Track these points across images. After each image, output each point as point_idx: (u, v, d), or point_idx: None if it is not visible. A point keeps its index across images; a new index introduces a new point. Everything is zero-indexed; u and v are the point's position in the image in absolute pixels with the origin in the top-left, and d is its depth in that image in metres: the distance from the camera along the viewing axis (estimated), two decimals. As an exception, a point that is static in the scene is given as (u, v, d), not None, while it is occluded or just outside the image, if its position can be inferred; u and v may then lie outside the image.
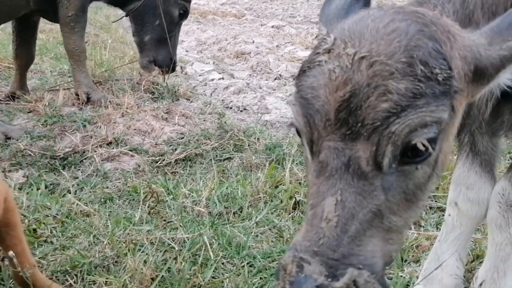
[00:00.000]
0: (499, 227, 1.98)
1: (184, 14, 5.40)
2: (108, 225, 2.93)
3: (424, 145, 1.17)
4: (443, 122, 1.20)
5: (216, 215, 3.11)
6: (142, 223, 2.96)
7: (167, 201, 3.21)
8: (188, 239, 2.69)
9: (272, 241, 2.83)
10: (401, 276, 2.39)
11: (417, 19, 1.25)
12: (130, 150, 4.16)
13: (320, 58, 1.25)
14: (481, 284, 2.03)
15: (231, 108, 5.93)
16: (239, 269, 2.48)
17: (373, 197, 1.18)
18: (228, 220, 3.10)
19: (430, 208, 3.13)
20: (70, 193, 3.37)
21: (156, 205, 3.03)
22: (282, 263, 1.17)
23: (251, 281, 2.37)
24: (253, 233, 2.91)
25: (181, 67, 7.82)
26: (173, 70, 5.58)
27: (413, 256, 2.58)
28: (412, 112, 1.14)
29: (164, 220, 3.09)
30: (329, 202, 1.17)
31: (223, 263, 2.58)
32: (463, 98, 1.28)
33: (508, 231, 1.96)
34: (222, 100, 6.18)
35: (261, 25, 10.27)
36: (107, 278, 2.31)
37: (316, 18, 9.48)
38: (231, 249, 2.68)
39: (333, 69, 1.20)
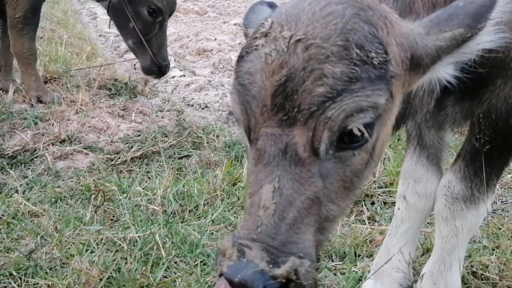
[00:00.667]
0: (445, 220, 2.00)
1: (157, 12, 4.69)
2: (57, 226, 2.82)
3: (360, 130, 1.16)
4: (380, 107, 1.19)
5: (171, 213, 3.04)
6: (93, 223, 2.86)
7: (119, 199, 3.12)
8: (140, 238, 2.62)
9: (227, 238, 2.79)
10: (354, 271, 2.40)
11: (354, 3, 1.23)
12: (84, 148, 4.03)
13: (257, 43, 1.22)
14: (422, 276, 2.06)
15: (192, 105, 5.85)
16: (192, 268, 2.43)
17: (311, 184, 1.16)
18: (184, 218, 3.05)
19: (385, 203, 3.17)
20: (18, 193, 3.23)
21: (102, 204, 2.93)
22: (221, 247, 1.13)
23: (203, 280, 2.32)
24: (208, 231, 2.86)
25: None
26: (162, 74, 4.86)
27: (366, 251, 2.60)
28: (347, 96, 1.12)
29: (117, 220, 3.00)
30: (266, 189, 1.14)
31: (176, 262, 2.53)
32: (400, 85, 1.28)
33: (453, 224, 1.99)
34: (183, 97, 6.08)
35: (224, 22, 10.20)
36: (50, 281, 2.22)
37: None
38: (185, 247, 2.63)
39: (269, 53, 1.17)
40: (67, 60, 6.10)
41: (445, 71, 1.34)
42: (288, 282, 1.07)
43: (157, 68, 4.71)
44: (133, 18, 4.61)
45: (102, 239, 2.65)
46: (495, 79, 1.69)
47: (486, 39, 1.29)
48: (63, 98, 4.67)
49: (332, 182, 1.20)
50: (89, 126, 4.25)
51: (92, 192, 3.14)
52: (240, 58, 1.26)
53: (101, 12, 9.81)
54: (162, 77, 5.16)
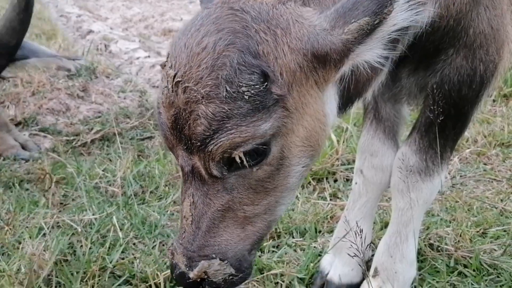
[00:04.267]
0: (401, 192, 2.00)
1: None
2: (10, 210, 2.72)
3: (240, 158, 1.26)
4: (266, 132, 1.26)
5: (131, 195, 2.97)
6: (49, 206, 2.77)
7: (78, 182, 3.03)
8: (96, 221, 2.55)
9: (188, 218, 2.75)
10: (314, 246, 2.40)
11: (233, 25, 1.24)
12: (42, 131, 3.90)
13: (162, 71, 1.33)
14: (379, 248, 2.07)
15: (157, 87, 5.73)
16: (150, 249, 2.38)
17: (218, 198, 1.34)
18: (144, 199, 2.98)
19: (347, 180, 3.18)
20: (-31, 177, 3.10)
21: (50, 188, 2.83)
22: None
23: (162, 261, 2.28)
24: (168, 212, 2.81)
25: (104, 45, 7.46)
26: None
27: (327, 226, 2.60)
28: (222, 134, 1.23)
29: (74, 201, 2.92)
30: (186, 203, 1.37)
31: (134, 244, 2.47)
32: (307, 90, 1.31)
33: (409, 196, 1.99)
34: (149, 78, 5.95)
35: (190, 2, 10.01)
36: (-1, 266, 2.13)
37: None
38: (144, 229, 2.57)
39: (163, 89, 1.30)
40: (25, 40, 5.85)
41: (372, 54, 1.32)
42: (201, 281, 1.38)
43: None
44: None
45: (58, 222, 2.57)
46: (447, 48, 1.69)
47: (402, 17, 1.26)
48: (20, 79, 4.49)
49: (240, 191, 1.35)
50: (47, 108, 4.11)
51: (39, 176, 3.02)
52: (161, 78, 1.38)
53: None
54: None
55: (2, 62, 3.22)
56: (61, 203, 2.88)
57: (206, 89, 1.21)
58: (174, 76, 1.25)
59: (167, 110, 1.28)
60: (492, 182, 3.20)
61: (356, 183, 2.18)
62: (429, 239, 2.41)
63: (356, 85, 1.45)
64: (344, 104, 1.51)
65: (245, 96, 1.21)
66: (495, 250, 2.35)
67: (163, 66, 1.32)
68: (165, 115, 1.30)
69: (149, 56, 6.90)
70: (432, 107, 1.80)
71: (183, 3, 9.87)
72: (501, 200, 2.92)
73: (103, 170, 3.24)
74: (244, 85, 1.21)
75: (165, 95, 1.28)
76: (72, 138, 3.80)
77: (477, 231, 2.51)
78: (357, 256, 1.79)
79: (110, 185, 3.08)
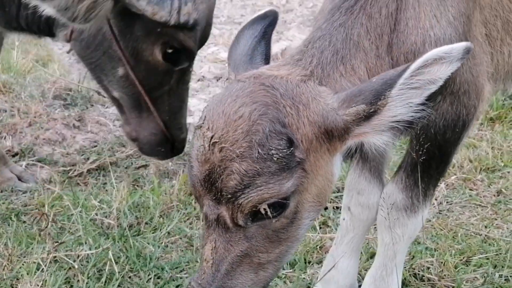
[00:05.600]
0: (387, 228, 2.11)
1: (180, 55, 2.54)
2: (8, 245, 2.78)
3: (265, 209, 1.47)
4: (288, 189, 1.47)
5: (127, 226, 3.05)
6: (46, 241, 2.83)
7: (74, 214, 3.10)
8: (93, 255, 2.62)
9: (181, 250, 2.83)
10: (303, 278, 2.48)
11: (266, 99, 1.47)
12: (38, 161, 3.97)
13: (197, 131, 1.55)
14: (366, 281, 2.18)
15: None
16: (145, 283, 2.46)
17: (239, 245, 1.53)
18: (139, 231, 3.06)
19: (337, 208, 3.27)
20: (-34, 211, 3.17)
21: (46, 227, 2.88)
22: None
23: (156, 294, 2.36)
24: (163, 244, 2.89)
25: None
26: (176, 153, 3.02)
27: (316, 257, 2.69)
28: (253, 189, 1.44)
29: (71, 235, 2.98)
30: (208, 247, 1.55)
31: (130, 277, 2.55)
32: (322, 152, 1.54)
33: (395, 232, 2.10)
34: (144, 103, 6.05)
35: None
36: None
37: (240, 19, 9.53)
38: (139, 261, 2.64)
39: (199, 147, 1.51)
40: (20, 68, 5.95)
41: (378, 139, 1.54)
42: None
43: (169, 145, 2.87)
44: (129, 60, 2.49)
45: (55, 257, 2.64)
46: (435, 96, 1.81)
47: (400, 111, 1.48)
48: (17, 110, 4.57)
49: (258, 240, 1.54)
50: (43, 139, 4.18)
51: (34, 215, 3.09)
52: (194, 133, 1.60)
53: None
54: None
55: None
56: (58, 236, 2.94)
57: (240, 149, 1.43)
58: (211, 137, 1.47)
59: (202, 165, 1.49)
60: (477, 208, 3.30)
61: (343, 219, 2.29)
62: (414, 268, 2.50)
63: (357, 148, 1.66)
64: (345, 158, 1.72)
65: (274, 158, 1.43)
66: (477, 278, 2.45)
67: (199, 127, 1.54)
68: (198, 169, 1.51)
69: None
70: (416, 148, 1.92)
71: (177, 26, 10.01)
72: (485, 227, 3.02)
73: (99, 202, 3.31)
74: (273, 148, 1.43)
75: (200, 152, 1.50)
76: (68, 168, 3.87)
77: (461, 260, 2.60)
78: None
79: (106, 217, 3.15)
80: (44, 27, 2.73)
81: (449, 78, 1.76)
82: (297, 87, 1.54)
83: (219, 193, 1.47)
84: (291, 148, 1.46)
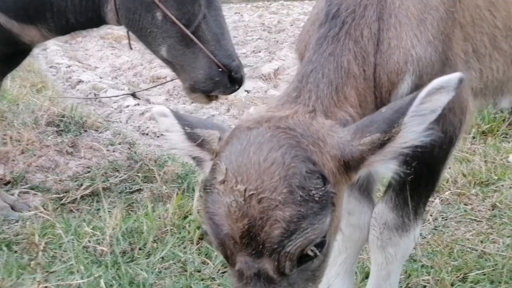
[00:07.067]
0: (379, 248, 2.09)
1: None
2: (-1, 276, 2.75)
3: (313, 251, 1.45)
4: (327, 226, 1.46)
5: (120, 253, 3.01)
6: (37, 270, 2.80)
7: (65, 242, 3.07)
8: (84, 284, 2.58)
9: (175, 275, 2.80)
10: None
11: (290, 140, 1.45)
12: (31, 189, 3.95)
13: (218, 187, 1.46)
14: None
15: (147, 134, 5.83)
16: (138, 311, 2.42)
17: None
18: (133, 257, 3.03)
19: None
20: (-43, 242, 3.13)
21: (36, 257, 2.85)
22: None
23: (149, 323, 2.32)
24: (156, 269, 2.85)
25: (94, 94, 7.60)
26: (236, 83, 3.00)
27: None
28: (300, 234, 1.39)
29: (64, 262, 2.95)
30: None
31: (122, 306, 2.51)
32: (341, 185, 1.55)
33: (388, 251, 2.09)
34: (138, 126, 6.05)
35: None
36: None
37: (233, 40, 9.56)
38: (132, 289, 2.61)
39: (231, 203, 1.42)
40: (14, 95, 5.97)
41: (386, 167, 1.57)
42: None
43: (226, 75, 2.90)
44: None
45: (45, 287, 2.60)
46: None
47: (411, 137, 1.50)
48: (9, 138, 4.56)
49: (300, 284, 1.50)
50: (36, 166, 4.17)
51: (24, 245, 3.06)
52: (205, 192, 1.51)
53: (51, 42, 9.66)
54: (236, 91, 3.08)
55: None
56: (49, 266, 2.90)
57: (282, 196, 1.38)
58: (245, 190, 1.40)
59: (237, 221, 1.41)
60: (472, 222, 3.29)
61: (336, 240, 2.26)
62: (410, 287, 2.47)
63: None
64: None
65: (315, 198, 1.41)
66: (474, 296, 2.42)
67: (222, 182, 1.45)
68: (231, 227, 1.42)
69: (138, 104, 7.03)
70: (404, 168, 1.91)
71: (170, 49, 10.13)
72: (481, 242, 3.00)
73: (92, 228, 3.28)
74: (313, 188, 1.41)
75: (234, 209, 1.41)
76: (61, 195, 3.85)
77: (457, 277, 2.58)
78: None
79: (99, 244, 3.11)
80: (93, 15, 3.00)
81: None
82: (310, 126, 1.54)
83: (261, 246, 1.40)
84: (328, 185, 1.45)
